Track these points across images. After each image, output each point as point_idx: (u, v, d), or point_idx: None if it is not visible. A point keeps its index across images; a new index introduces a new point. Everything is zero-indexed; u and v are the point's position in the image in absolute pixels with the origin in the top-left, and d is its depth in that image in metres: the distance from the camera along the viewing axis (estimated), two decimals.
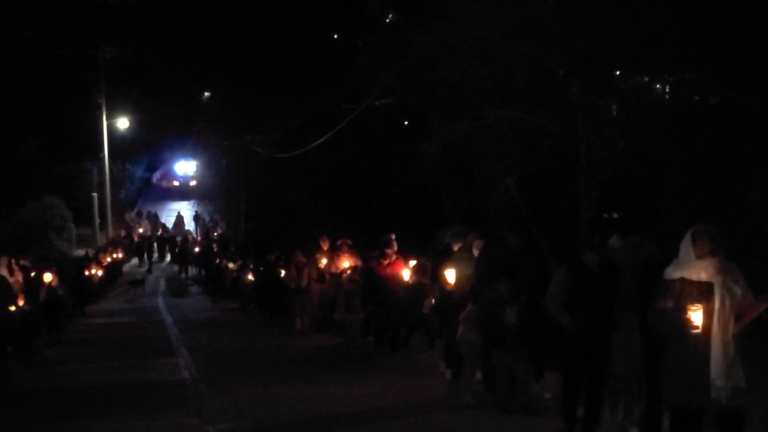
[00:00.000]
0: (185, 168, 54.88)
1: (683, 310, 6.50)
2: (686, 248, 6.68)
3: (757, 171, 13.00)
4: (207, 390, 11.71)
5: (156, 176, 56.25)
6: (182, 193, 52.90)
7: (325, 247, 17.77)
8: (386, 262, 14.34)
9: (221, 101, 40.71)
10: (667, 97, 17.64)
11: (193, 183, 53.28)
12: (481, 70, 15.84)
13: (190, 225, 47.47)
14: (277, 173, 31.96)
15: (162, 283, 35.24)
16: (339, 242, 16.74)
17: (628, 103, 16.30)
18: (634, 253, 8.19)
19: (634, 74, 17.06)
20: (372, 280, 14.40)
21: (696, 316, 6.49)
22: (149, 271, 38.52)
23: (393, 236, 14.59)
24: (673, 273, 6.68)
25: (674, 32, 14.66)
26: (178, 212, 48.57)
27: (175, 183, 56.03)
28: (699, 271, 6.59)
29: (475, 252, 10.86)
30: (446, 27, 15.93)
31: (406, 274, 14.12)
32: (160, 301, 28.47)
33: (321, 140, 24.37)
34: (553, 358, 9.26)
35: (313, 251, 18.32)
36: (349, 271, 15.48)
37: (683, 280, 6.61)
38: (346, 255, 16.26)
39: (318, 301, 17.83)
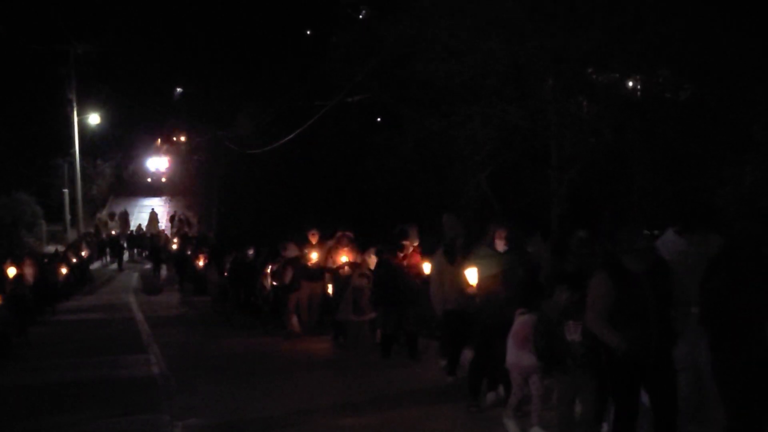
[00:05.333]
0: (157, 164, 54.65)
1: None
2: None
3: (725, 167, 13.14)
4: (177, 386, 11.67)
5: (128, 172, 55.93)
6: (154, 190, 52.67)
7: (314, 240, 16.48)
8: (403, 254, 12.79)
9: (193, 97, 40.56)
10: (638, 93, 17.77)
11: (164, 179, 53.06)
12: (453, 66, 15.86)
13: (163, 222, 47.24)
14: (249, 169, 31.89)
15: (134, 280, 35.01)
16: (338, 234, 15.27)
17: (599, 100, 16.41)
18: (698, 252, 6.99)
19: (605, 71, 17.18)
20: (387, 276, 12.84)
21: None
22: (120, 269, 38.27)
23: (410, 227, 13.05)
24: None
25: (644, 29, 14.78)
26: (152, 209, 48.33)
27: (147, 179, 55.76)
28: None
29: (499, 245, 9.24)
30: (416, 22, 15.94)
31: (426, 267, 12.27)
32: (131, 299, 28.26)
33: (291, 136, 24.32)
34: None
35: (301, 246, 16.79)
36: (347, 267, 14.47)
37: None
38: (346, 249, 14.84)
39: (308, 300, 16.35)
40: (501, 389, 9.40)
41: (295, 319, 16.30)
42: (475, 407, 9.28)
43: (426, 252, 12.38)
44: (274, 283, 17.09)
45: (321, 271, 15.79)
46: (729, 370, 6.14)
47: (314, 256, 16.00)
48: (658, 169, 14.90)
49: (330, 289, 15.49)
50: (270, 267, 17.55)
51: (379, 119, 24.86)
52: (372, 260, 14.47)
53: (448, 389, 10.63)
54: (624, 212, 15.02)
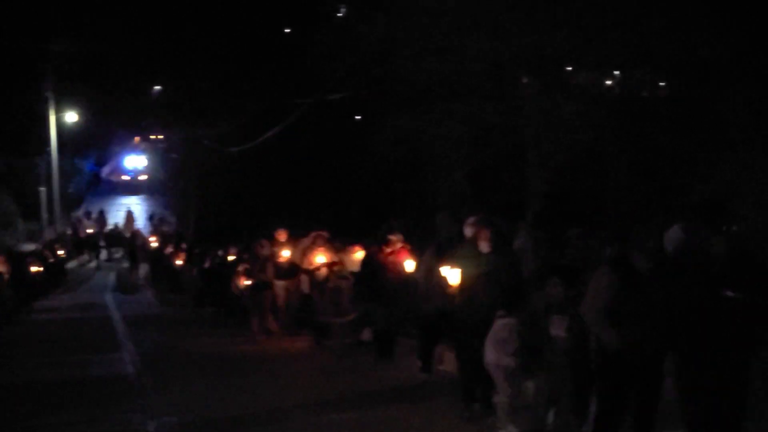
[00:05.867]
0: (135, 162, 54.24)
1: None
2: None
3: (699, 164, 13.20)
4: (152, 385, 11.61)
5: (105, 171, 55.49)
6: (132, 188, 52.29)
7: (282, 239, 16.35)
8: (389, 250, 12.45)
9: (171, 95, 40.36)
10: (616, 91, 17.84)
11: (142, 177, 52.73)
12: (430, 64, 15.87)
13: (141, 221, 46.93)
14: (227, 168, 31.78)
15: (111, 279, 34.78)
16: (313, 234, 14.99)
17: (577, 98, 16.46)
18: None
19: (584, 69, 17.24)
20: (372, 272, 12.55)
21: None
22: (98, 268, 38.02)
23: (395, 221, 13.04)
24: None
25: (622, 28, 14.84)
26: (128, 208, 47.98)
27: (125, 177, 55.37)
28: None
29: (483, 246, 9.00)
30: (393, 21, 15.92)
31: (409, 264, 12.06)
32: (108, 298, 28.07)
33: (269, 134, 24.26)
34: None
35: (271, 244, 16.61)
36: (324, 269, 14.28)
37: None
38: (322, 249, 14.60)
39: (285, 300, 16.15)
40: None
41: (271, 318, 16.17)
42: (468, 414, 8.98)
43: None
44: (247, 283, 16.92)
45: (294, 270, 15.62)
46: (685, 377, 6.01)
47: (285, 254, 15.84)
48: (633, 167, 14.95)
49: (306, 288, 15.44)
50: (242, 266, 17.45)
51: (358, 117, 24.84)
52: (351, 258, 14.41)
53: (426, 387, 10.61)
54: (600, 208, 15.09)
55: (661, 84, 17.19)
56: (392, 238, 12.42)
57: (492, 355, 8.14)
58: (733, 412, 5.88)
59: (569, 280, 7.52)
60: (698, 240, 6.02)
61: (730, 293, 5.61)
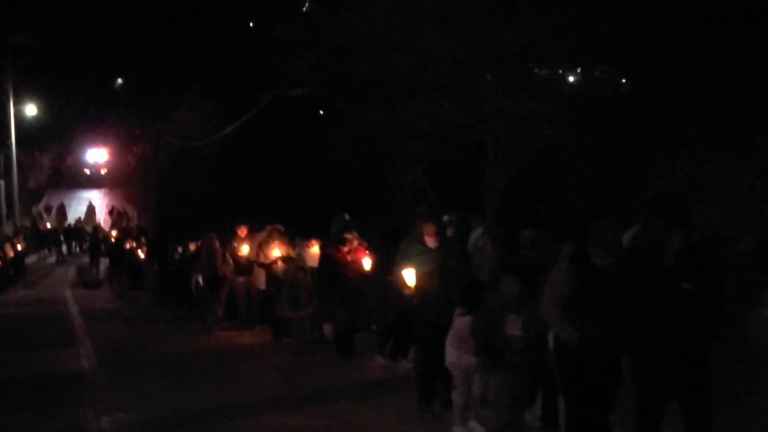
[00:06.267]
0: (96, 156, 53.80)
1: None
2: None
3: (657, 162, 13.29)
4: (106, 382, 11.51)
5: (66, 164, 54.98)
6: (93, 182, 51.85)
7: (243, 234, 16.33)
8: (346, 248, 12.39)
9: (133, 89, 40.06)
10: (576, 89, 17.94)
11: (104, 171, 52.29)
12: (390, 61, 15.87)
13: (102, 215, 46.52)
14: (189, 162, 31.60)
15: (72, 274, 34.43)
16: (269, 228, 14.96)
17: (537, 95, 16.51)
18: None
19: (544, 66, 17.33)
20: (330, 271, 12.47)
21: None
22: (59, 262, 37.63)
23: (347, 216, 12.78)
24: None
25: (581, 26, 14.92)
26: (90, 202, 47.55)
27: (86, 171, 54.86)
28: None
29: (429, 241, 8.93)
30: (354, 17, 15.88)
31: (367, 262, 12.24)
32: (68, 293, 27.77)
33: (230, 128, 24.15)
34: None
35: (229, 239, 16.82)
36: (280, 262, 14.23)
37: None
38: (277, 242, 14.57)
39: (242, 295, 16.31)
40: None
41: (218, 313, 16.21)
42: (428, 413, 8.88)
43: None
44: (200, 277, 16.85)
45: (250, 266, 15.61)
46: (639, 368, 6.02)
47: (245, 250, 15.80)
48: (593, 164, 15.05)
49: (263, 283, 15.39)
50: (198, 262, 17.37)
51: (321, 112, 24.77)
52: (309, 252, 14.36)
53: (386, 385, 10.61)
54: (559, 206, 15.15)
55: (623, 81, 17.29)
56: (348, 237, 12.34)
57: (453, 354, 8.08)
58: (698, 404, 5.90)
59: (525, 278, 7.42)
60: (654, 235, 6.02)
61: (686, 285, 5.63)
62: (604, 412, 6.58)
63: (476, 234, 9.99)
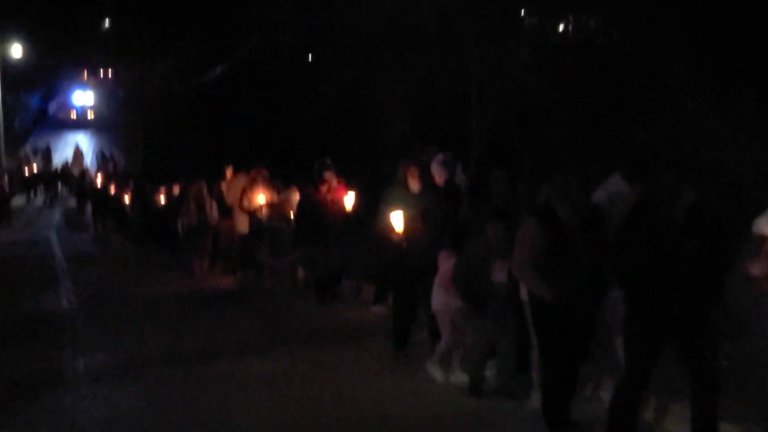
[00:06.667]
0: (82, 98, 53.35)
1: None
2: None
3: (640, 111, 13.26)
4: (85, 323, 11.56)
5: (52, 106, 54.53)
6: (79, 125, 51.50)
7: (229, 175, 16.17)
8: (325, 189, 12.11)
9: (119, 30, 39.59)
10: (570, 37, 17.76)
11: (90, 114, 51.91)
12: (376, 9, 15.67)
13: (89, 158, 46.25)
14: (175, 105, 31.37)
15: (57, 217, 34.35)
16: (252, 172, 14.49)
17: (526, 43, 16.38)
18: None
19: (531, 15, 17.16)
20: (309, 213, 12.17)
21: None
22: (44, 205, 37.49)
23: (328, 160, 12.47)
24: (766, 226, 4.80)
25: None
26: (76, 145, 47.25)
27: (72, 114, 54.46)
28: None
29: (413, 185, 8.88)
30: None
31: (348, 201, 11.88)
32: (53, 236, 27.72)
33: (215, 72, 23.94)
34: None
35: (216, 182, 16.59)
36: (264, 209, 14.03)
37: None
38: (262, 187, 14.20)
39: (226, 239, 16.06)
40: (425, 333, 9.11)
41: (204, 259, 16.14)
42: (404, 357, 8.90)
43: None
44: (186, 222, 16.76)
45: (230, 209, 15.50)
46: (635, 326, 5.85)
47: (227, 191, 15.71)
48: (577, 113, 14.99)
49: (245, 228, 15.32)
50: (184, 206, 17.24)
51: (310, 56, 24.54)
52: (293, 199, 14.27)
53: (365, 329, 10.68)
54: (544, 155, 15.10)
55: (613, 32, 17.11)
56: (327, 175, 12.12)
57: (440, 298, 8.03)
58: (700, 358, 5.75)
59: (511, 223, 7.29)
60: (665, 190, 5.78)
61: (692, 243, 5.50)
62: (577, 363, 6.61)
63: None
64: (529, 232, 6.49)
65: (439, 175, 9.31)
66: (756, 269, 4.61)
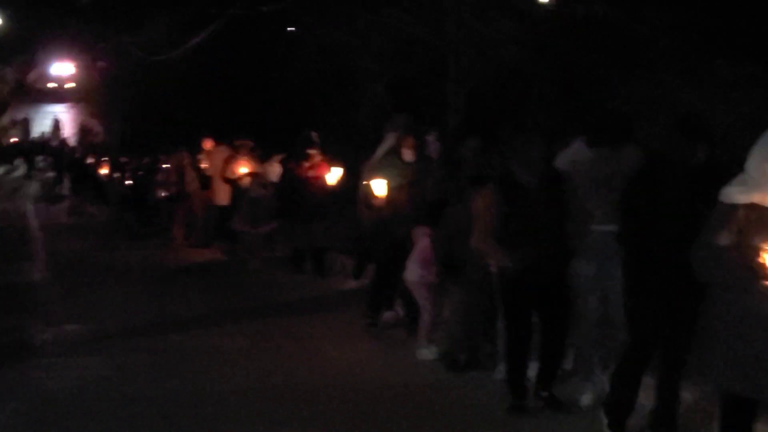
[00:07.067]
0: (61, 70, 52.81)
1: (752, 251, 4.32)
2: (762, 158, 4.43)
3: (616, 82, 13.24)
4: (58, 293, 11.56)
5: (31, 77, 53.96)
6: (59, 96, 51.05)
7: (208, 146, 16.10)
8: (308, 164, 12.26)
9: (99, 1, 39.12)
10: (551, 6, 17.62)
11: (70, 85, 51.43)
12: None
13: (68, 130, 45.98)
14: (155, 76, 31.13)
15: (35, 188, 34.18)
16: (237, 143, 14.46)
17: (502, 13, 16.26)
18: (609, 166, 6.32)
19: None
20: (291, 188, 12.37)
21: None
22: (24, 176, 37.29)
23: (314, 133, 12.60)
24: (738, 195, 4.48)
25: None
26: (55, 116, 46.93)
27: (52, 85, 53.97)
28: None
29: (406, 154, 8.78)
30: None
31: (332, 177, 12.12)
32: (30, 207, 27.60)
33: (192, 42, 23.73)
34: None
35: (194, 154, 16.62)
36: (246, 178, 13.95)
37: (753, 207, 4.42)
38: (245, 159, 14.22)
39: (201, 211, 16.09)
40: (399, 309, 9.12)
41: (180, 230, 16.12)
42: (373, 324, 8.89)
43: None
44: (164, 193, 16.76)
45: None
46: (642, 294, 5.58)
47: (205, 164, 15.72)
48: (554, 82, 14.96)
49: (226, 198, 15.24)
50: (161, 176, 17.26)
51: (291, 29, 24.37)
52: (273, 169, 14.20)
53: (345, 302, 10.60)
54: (521, 124, 15.04)
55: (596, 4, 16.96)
56: (311, 152, 12.21)
57: (416, 272, 7.93)
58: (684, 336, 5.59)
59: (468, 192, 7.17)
60: (677, 151, 5.52)
61: (704, 206, 5.12)
62: (558, 333, 6.43)
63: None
64: (485, 199, 6.37)
65: (434, 148, 9.20)
66: (724, 239, 4.46)
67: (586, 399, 6.46)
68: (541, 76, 15.38)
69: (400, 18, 15.56)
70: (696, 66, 12.53)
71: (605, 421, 5.72)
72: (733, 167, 4.84)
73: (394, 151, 8.82)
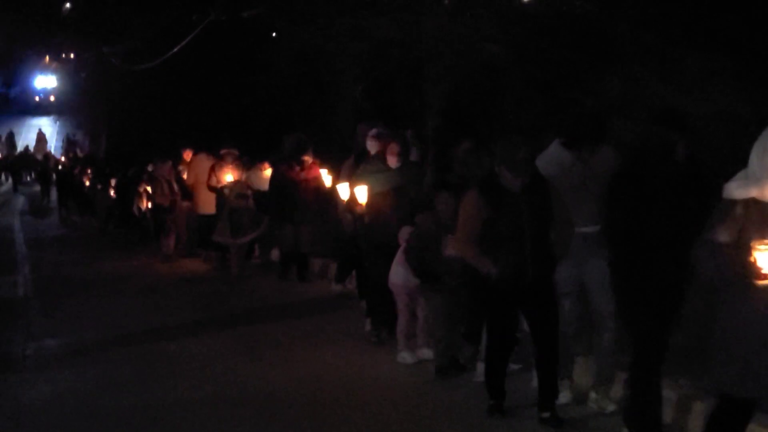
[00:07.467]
0: (45, 83, 52.83)
1: (746, 248, 4.23)
2: (761, 154, 4.33)
3: (590, 78, 13.28)
4: (40, 308, 11.56)
5: (14, 91, 53.98)
6: (42, 109, 51.08)
7: (188, 157, 16.10)
8: (299, 169, 12.18)
9: (80, 12, 39.11)
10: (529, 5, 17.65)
11: (53, 98, 51.44)
12: None
13: (52, 143, 45.91)
14: (137, 86, 31.15)
15: (21, 202, 34.15)
16: (223, 152, 14.44)
17: (478, 13, 16.29)
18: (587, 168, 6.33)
19: None
20: (283, 192, 12.21)
21: (765, 258, 4.21)
22: (12, 190, 37.28)
23: (303, 136, 12.58)
24: (737, 191, 4.36)
25: None
26: (39, 129, 46.87)
27: (35, 98, 53.96)
28: None
29: (391, 161, 8.58)
30: None
31: (327, 179, 11.90)
32: (15, 221, 27.55)
33: (173, 51, 23.74)
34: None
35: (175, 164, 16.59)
36: (227, 190, 13.90)
37: (754, 203, 4.30)
38: (230, 167, 14.15)
39: (186, 221, 16.02)
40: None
41: (171, 241, 16.04)
42: (375, 338, 8.71)
43: None
44: (149, 205, 16.73)
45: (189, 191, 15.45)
46: (635, 293, 5.55)
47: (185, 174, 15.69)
48: (531, 81, 14.98)
49: (211, 208, 15.21)
50: (143, 187, 17.22)
51: (274, 34, 24.39)
52: (260, 176, 14.14)
53: (327, 307, 10.68)
54: (498, 123, 15.08)
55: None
56: (306, 159, 12.15)
57: (400, 275, 7.87)
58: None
59: (459, 194, 7.01)
60: (661, 147, 5.51)
61: (688, 202, 5.32)
62: (550, 343, 6.30)
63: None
64: (469, 204, 6.26)
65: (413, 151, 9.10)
66: (723, 235, 4.43)
67: (563, 397, 6.49)
68: (518, 75, 15.41)
69: (375, 21, 15.59)
70: (670, 60, 12.57)
71: None
72: (713, 164, 4.87)
73: (378, 158, 8.71)
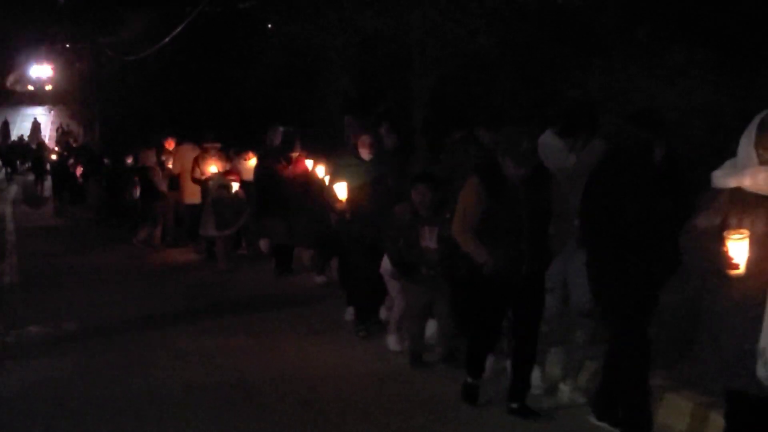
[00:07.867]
0: (40, 72, 52.83)
1: (721, 238, 4.15)
2: (748, 143, 4.24)
3: (574, 71, 13.32)
4: (24, 296, 11.65)
5: (9, 80, 53.96)
6: (37, 98, 51.07)
7: (170, 147, 16.26)
8: (287, 165, 12.13)
9: (75, 3, 39.09)
10: None
11: (48, 87, 51.42)
12: None
13: (47, 132, 45.91)
14: (131, 76, 31.19)
15: (14, 191, 34.16)
16: (206, 145, 14.51)
17: (464, 4, 16.30)
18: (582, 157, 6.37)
19: None
20: (271, 185, 12.16)
21: (737, 248, 4.09)
22: (8, 179, 37.25)
23: (291, 129, 12.53)
24: (722, 179, 4.29)
25: None
26: (34, 118, 46.86)
27: (30, 87, 53.96)
28: (764, 179, 4.16)
29: (363, 153, 8.62)
30: None
31: (319, 170, 11.62)
32: (8, 210, 27.56)
33: (158, 45, 23.78)
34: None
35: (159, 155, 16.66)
36: (209, 182, 13.96)
37: (737, 192, 4.22)
38: (214, 159, 14.26)
39: (174, 211, 16.18)
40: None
41: (156, 230, 16.15)
42: (363, 331, 8.68)
43: None
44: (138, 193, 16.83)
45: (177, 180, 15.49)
46: (614, 289, 5.59)
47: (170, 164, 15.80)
48: (516, 73, 15.02)
49: (196, 199, 15.26)
50: (136, 176, 17.35)
51: (270, 25, 24.41)
52: (245, 166, 14.20)
53: (309, 298, 10.76)
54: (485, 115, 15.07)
55: None
56: (292, 155, 12.12)
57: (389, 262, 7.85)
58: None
59: (435, 186, 7.20)
60: (637, 147, 5.51)
61: (665, 199, 5.35)
62: (528, 339, 6.29)
63: None
64: (470, 193, 6.12)
65: (388, 139, 9.05)
66: (703, 222, 4.42)
67: (535, 388, 6.55)
68: (505, 68, 15.44)
69: (363, 13, 15.59)
70: (649, 52, 12.59)
71: None
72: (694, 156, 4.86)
73: (352, 152, 8.72)
